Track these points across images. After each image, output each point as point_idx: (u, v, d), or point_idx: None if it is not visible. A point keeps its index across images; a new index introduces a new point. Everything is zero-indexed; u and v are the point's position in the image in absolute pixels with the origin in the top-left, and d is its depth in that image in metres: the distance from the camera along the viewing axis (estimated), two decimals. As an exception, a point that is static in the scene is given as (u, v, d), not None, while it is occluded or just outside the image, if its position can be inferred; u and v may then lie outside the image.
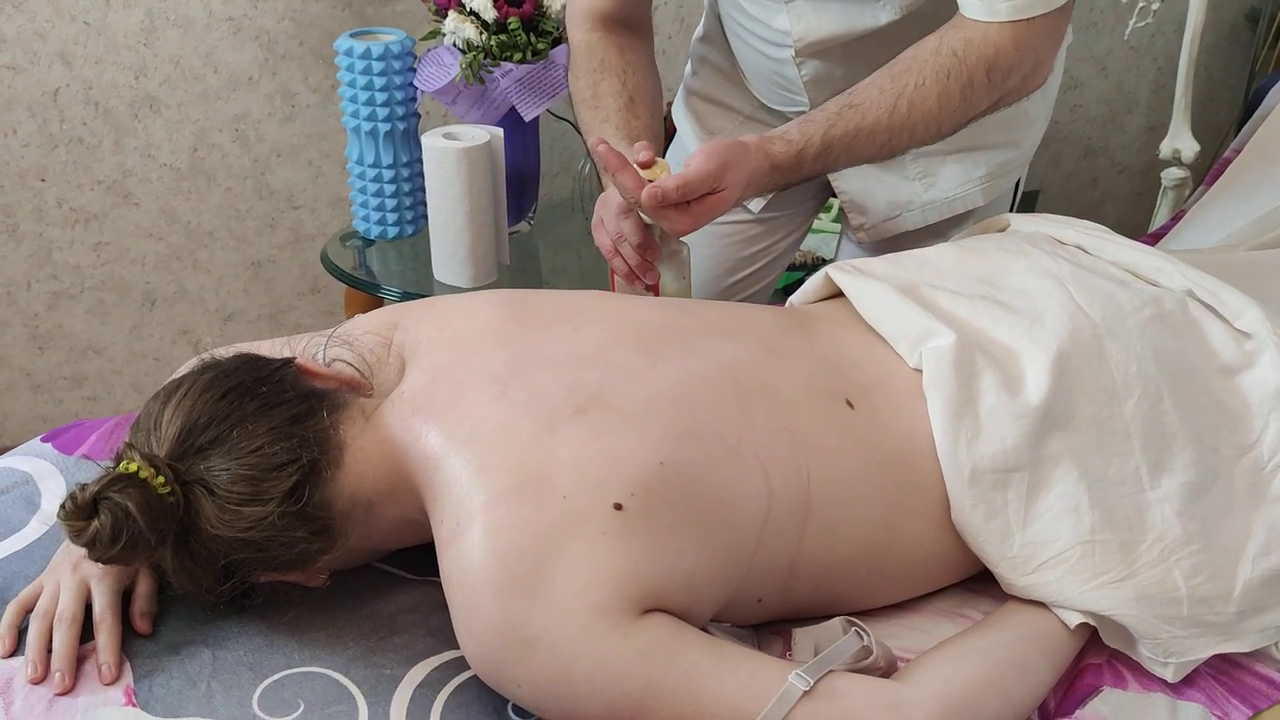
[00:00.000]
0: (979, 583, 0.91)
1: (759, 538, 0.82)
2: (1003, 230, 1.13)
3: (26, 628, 0.84)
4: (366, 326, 0.94)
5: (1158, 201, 2.02)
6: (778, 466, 0.83)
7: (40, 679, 0.81)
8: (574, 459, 0.78)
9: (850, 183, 1.31)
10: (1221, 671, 0.84)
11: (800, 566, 0.84)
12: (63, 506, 0.77)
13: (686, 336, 0.91)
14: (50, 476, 1.02)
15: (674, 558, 0.77)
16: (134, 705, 0.80)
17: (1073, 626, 0.83)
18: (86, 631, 0.84)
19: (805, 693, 0.73)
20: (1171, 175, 1.96)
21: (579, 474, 0.77)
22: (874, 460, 0.87)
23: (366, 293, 1.78)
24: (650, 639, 0.75)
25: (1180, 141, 1.94)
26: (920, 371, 0.91)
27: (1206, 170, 1.62)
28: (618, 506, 0.76)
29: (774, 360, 0.90)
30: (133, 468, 0.77)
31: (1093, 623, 0.83)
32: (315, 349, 0.91)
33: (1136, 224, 2.50)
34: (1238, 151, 1.47)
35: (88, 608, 0.84)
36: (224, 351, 0.89)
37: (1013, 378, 0.89)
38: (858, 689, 0.75)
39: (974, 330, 0.93)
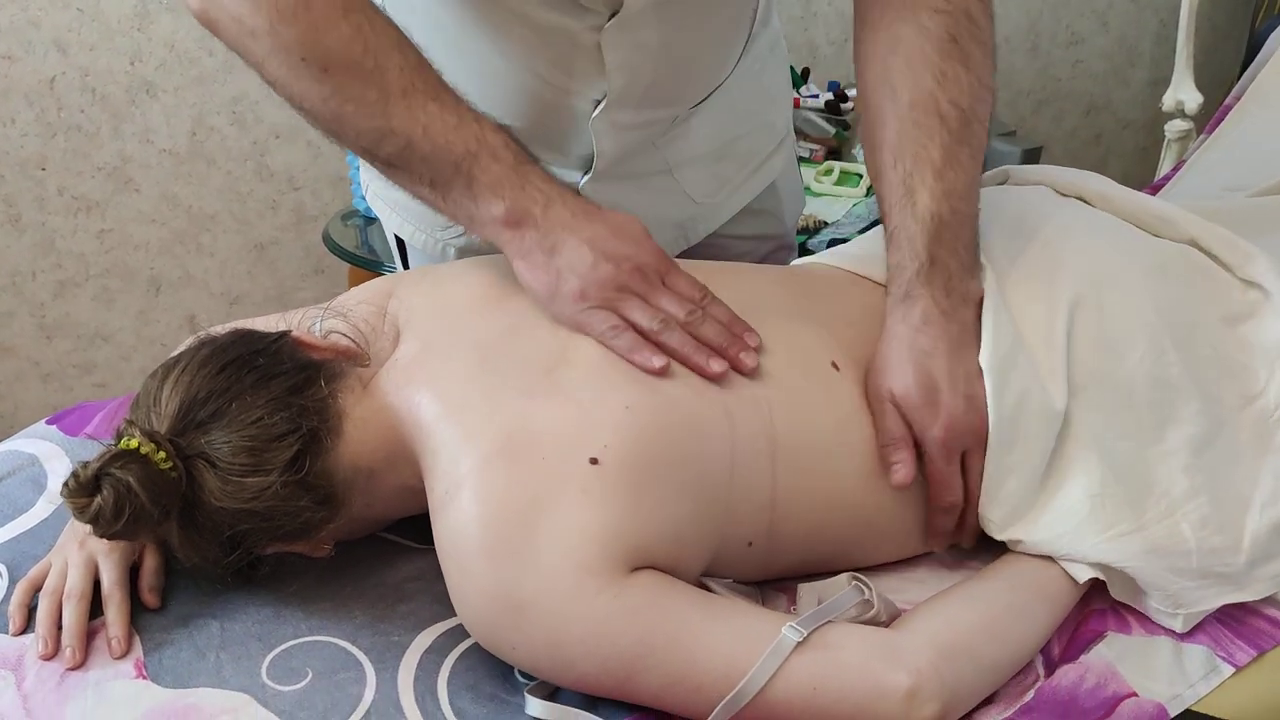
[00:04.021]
0: (983, 536, 0.91)
1: (730, 470, 0.82)
2: (1002, 184, 1.12)
3: (36, 606, 0.85)
4: (361, 297, 0.94)
5: (1162, 154, 2.01)
6: (737, 400, 0.83)
7: (51, 655, 0.82)
8: (548, 420, 0.79)
9: None
10: (1226, 614, 0.84)
11: (781, 506, 0.84)
12: (65, 484, 0.78)
13: None
14: (56, 457, 1.03)
15: (656, 508, 0.78)
16: (144, 678, 0.81)
17: (1082, 581, 0.83)
18: (96, 607, 0.85)
19: (799, 644, 0.74)
20: (1175, 127, 1.95)
21: (554, 434, 0.78)
22: (855, 419, 0.86)
23: (370, 271, 1.78)
24: (640, 597, 0.75)
25: (1183, 93, 1.92)
26: None
27: (1210, 121, 1.60)
28: (594, 461, 0.77)
29: (750, 316, 0.89)
30: (133, 444, 0.78)
31: (1101, 576, 0.83)
32: (310, 321, 0.91)
33: (1142, 179, 2.48)
34: (1239, 98, 1.46)
35: (96, 584, 0.85)
36: (220, 329, 0.90)
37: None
38: (852, 638, 0.76)
39: None
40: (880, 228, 0.93)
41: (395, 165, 0.85)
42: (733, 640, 0.74)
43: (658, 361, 0.82)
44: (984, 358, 0.86)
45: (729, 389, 0.84)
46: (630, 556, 0.76)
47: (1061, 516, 0.84)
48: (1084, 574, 0.83)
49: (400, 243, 1.19)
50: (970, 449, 0.85)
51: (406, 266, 1.21)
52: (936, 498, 0.86)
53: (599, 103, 0.98)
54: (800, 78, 2.11)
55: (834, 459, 0.86)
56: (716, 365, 0.83)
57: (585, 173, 1.05)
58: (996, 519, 0.86)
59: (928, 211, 0.85)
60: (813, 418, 0.86)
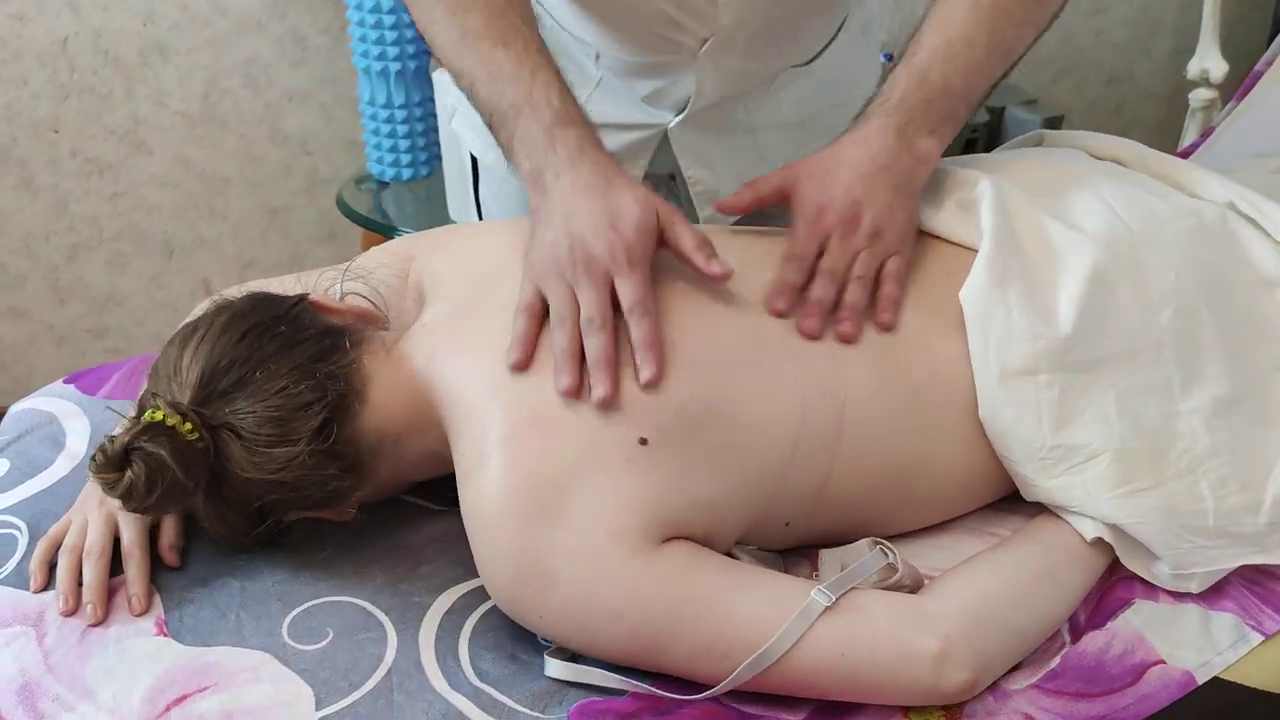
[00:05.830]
0: (1007, 501, 0.90)
1: (789, 459, 0.81)
2: (1037, 145, 1.11)
3: (57, 563, 0.85)
4: (380, 259, 0.93)
5: (1185, 124, 1.98)
6: (814, 386, 0.82)
7: (72, 611, 0.82)
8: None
9: (700, 171, 1.14)
10: (1254, 582, 0.83)
11: (830, 489, 0.83)
12: (93, 460, 0.76)
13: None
14: (74, 416, 1.03)
15: (698, 485, 0.77)
16: (165, 635, 0.81)
17: (1089, 539, 0.82)
18: (116, 565, 0.84)
19: (827, 608, 0.73)
20: (1200, 96, 1.92)
21: (599, 409, 0.77)
22: (904, 379, 0.85)
23: (383, 235, 1.77)
24: (670, 566, 0.74)
25: (1209, 61, 1.89)
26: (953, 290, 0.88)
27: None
28: (643, 441, 0.76)
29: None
30: (159, 416, 0.76)
31: (1109, 538, 0.82)
32: (328, 283, 0.90)
33: (1163, 151, 2.46)
34: (1269, 64, 1.44)
35: (116, 541, 0.85)
36: (235, 291, 0.88)
37: (1046, 283, 0.87)
38: (881, 604, 0.75)
39: (1010, 229, 0.91)
40: None
41: (471, 100, 0.89)
42: (762, 607, 0.74)
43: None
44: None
45: (808, 379, 0.82)
46: (664, 527, 0.75)
47: (1080, 468, 0.82)
48: (1090, 530, 0.82)
49: (474, 162, 1.24)
50: (892, 256, 0.87)
51: (477, 186, 1.25)
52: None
53: (706, 41, 1.01)
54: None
55: (892, 439, 0.84)
56: (568, 382, 0.77)
57: (678, 114, 1.08)
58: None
59: (920, 65, 0.89)
60: (876, 391, 0.83)
